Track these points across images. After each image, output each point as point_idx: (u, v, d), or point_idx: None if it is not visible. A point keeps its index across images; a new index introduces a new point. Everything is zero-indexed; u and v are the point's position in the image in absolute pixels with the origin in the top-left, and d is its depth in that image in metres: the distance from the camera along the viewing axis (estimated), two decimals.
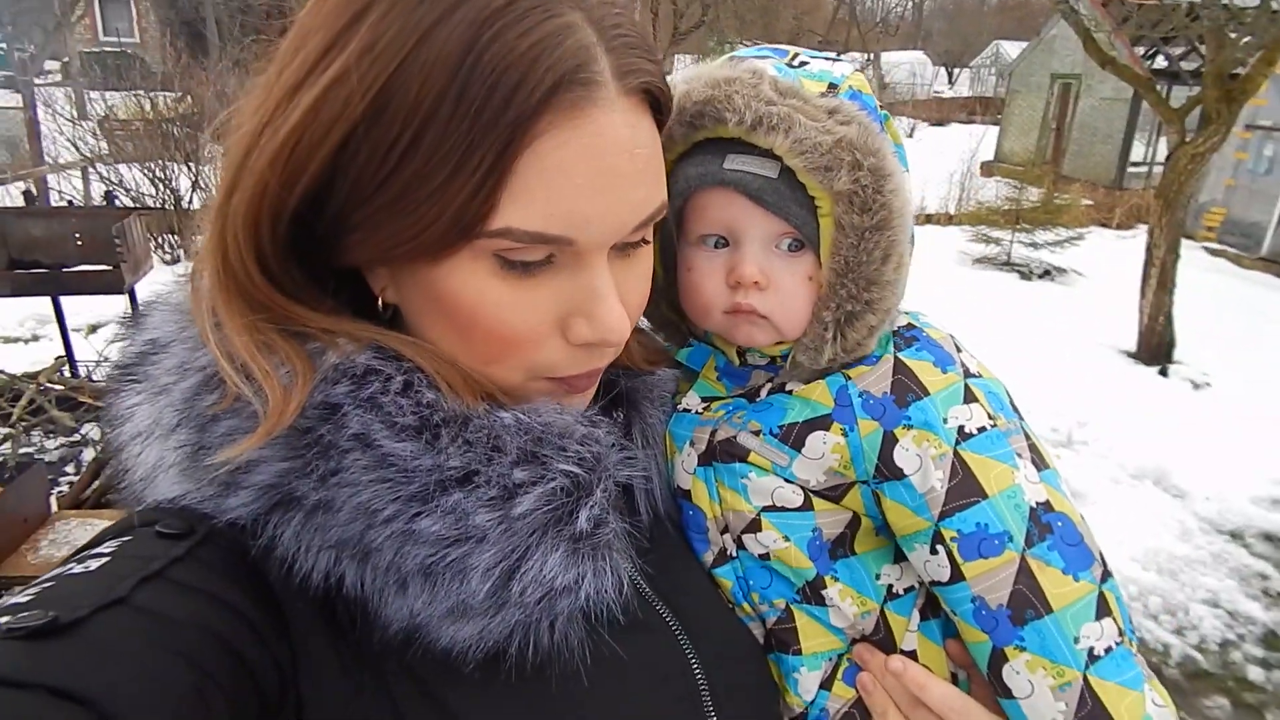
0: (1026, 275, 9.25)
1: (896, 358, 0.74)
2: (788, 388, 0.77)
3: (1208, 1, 5.90)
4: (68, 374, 4.51)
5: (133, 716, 0.43)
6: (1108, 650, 0.66)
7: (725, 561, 0.79)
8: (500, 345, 0.60)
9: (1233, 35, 5.84)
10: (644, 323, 0.83)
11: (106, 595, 0.48)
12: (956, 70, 40.35)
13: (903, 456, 0.71)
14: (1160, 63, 12.59)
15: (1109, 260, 9.43)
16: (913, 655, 0.77)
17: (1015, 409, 0.76)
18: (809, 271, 0.75)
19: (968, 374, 0.74)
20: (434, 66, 0.50)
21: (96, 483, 3.49)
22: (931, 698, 0.72)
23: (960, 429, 0.71)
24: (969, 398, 0.72)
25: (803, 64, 0.75)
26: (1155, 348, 6.53)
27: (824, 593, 0.77)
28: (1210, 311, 7.54)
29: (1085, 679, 0.65)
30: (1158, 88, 6.67)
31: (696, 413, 0.82)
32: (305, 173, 0.54)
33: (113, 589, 0.48)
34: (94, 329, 6.12)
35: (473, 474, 0.57)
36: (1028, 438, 0.74)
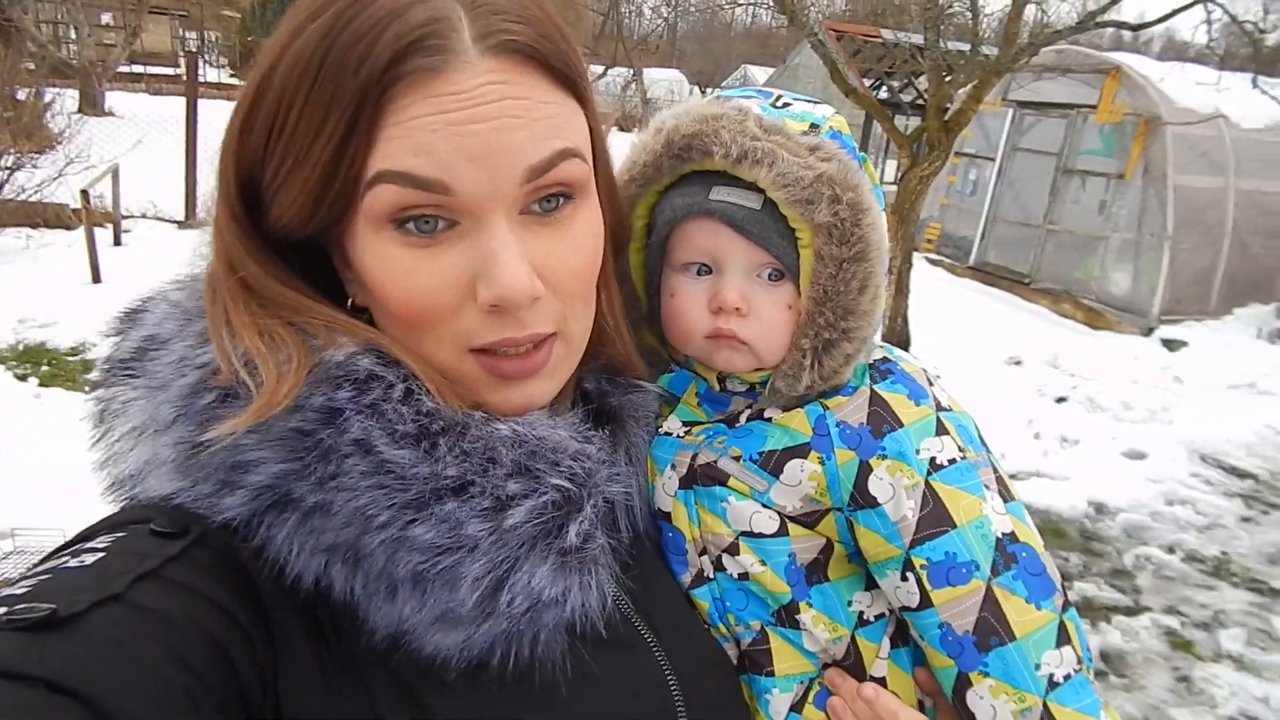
0: None
1: (873, 390, 0.76)
2: (766, 415, 0.79)
3: (929, 44, 6.76)
4: None
5: (126, 713, 0.43)
6: (1066, 678, 0.70)
7: (703, 583, 0.80)
8: (415, 315, 0.61)
9: (946, 77, 6.75)
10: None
11: (103, 591, 0.48)
12: (709, 89, 42.99)
13: (877, 485, 0.73)
14: (883, 94, 14.23)
15: None
16: (882, 681, 0.78)
17: (983, 442, 0.79)
18: (788, 300, 0.77)
19: (939, 407, 0.77)
20: (299, 55, 0.57)
21: None
22: None
23: (932, 460, 0.73)
24: (940, 430, 0.75)
25: (785, 105, 0.78)
26: (895, 345, 7.35)
27: (798, 617, 0.78)
28: (934, 312, 8.63)
29: (1045, 705, 0.69)
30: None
31: (678, 436, 0.82)
32: (229, 169, 0.61)
33: (109, 585, 0.49)
34: None
35: (468, 484, 0.57)
36: (995, 470, 0.77)
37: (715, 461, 0.79)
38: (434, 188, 0.57)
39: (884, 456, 0.74)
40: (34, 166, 8.56)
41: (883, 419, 0.75)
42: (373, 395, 0.56)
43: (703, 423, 0.83)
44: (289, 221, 0.60)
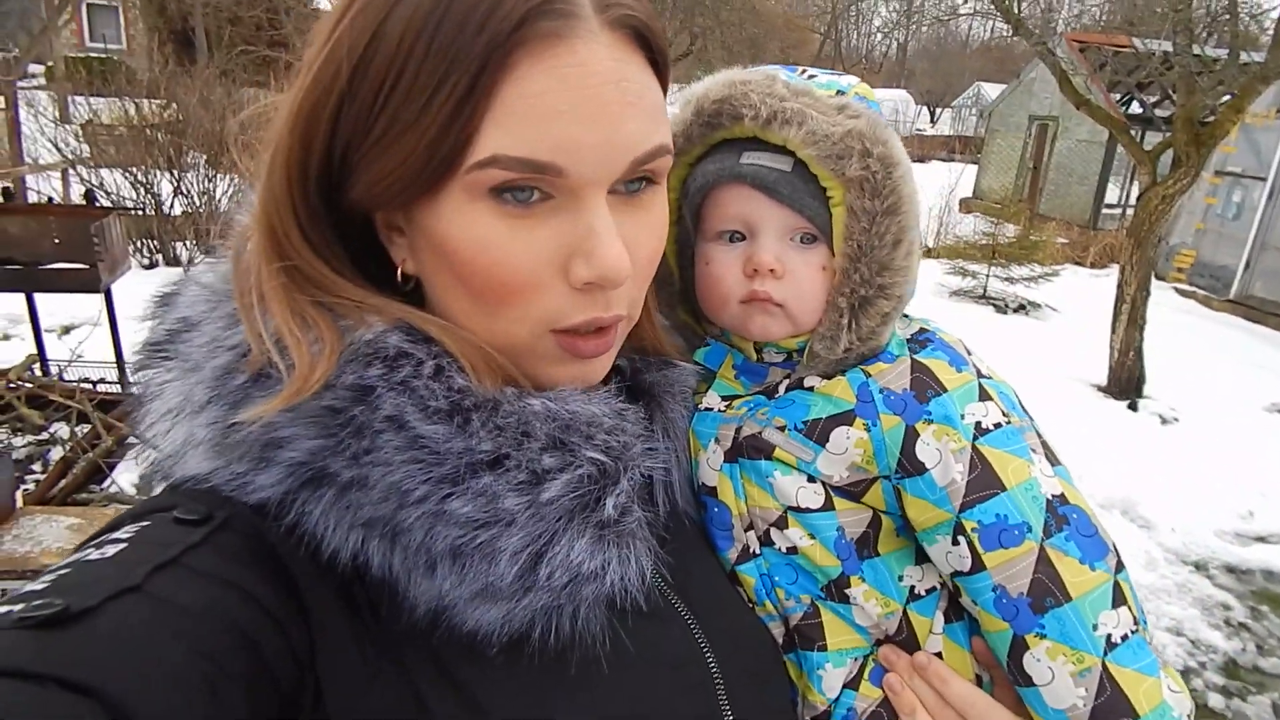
0: (1002, 309, 9.39)
1: (913, 358, 0.77)
2: (805, 383, 0.79)
3: (1180, 49, 6.07)
4: (38, 372, 4.46)
5: (141, 709, 0.42)
6: (1124, 638, 0.68)
7: (749, 559, 0.80)
8: (502, 289, 0.59)
9: (1202, 83, 6.02)
10: (664, 323, 0.83)
11: (120, 583, 0.47)
12: (939, 109, 41.13)
13: (924, 450, 0.73)
14: (1135, 108, 12.92)
15: (1082, 297, 9.61)
16: (938, 657, 0.77)
17: (1025, 410, 0.78)
18: (822, 262, 0.77)
19: (980, 374, 0.77)
20: (413, 12, 0.54)
21: (64, 481, 3.45)
22: (952, 694, 0.73)
23: (977, 424, 0.73)
24: (983, 396, 0.75)
25: (811, 76, 0.80)
26: (1125, 382, 6.64)
27: (848, 591, 0.78)
28: (1180, 350, 7.69)
29: (1104, 665, 0.67)
30: (1132, 132, 6.85)
31: (719, 411, 0.83)
32: (317, 132, 0.58)
33: (127, 576, 0.48)
34: (67, 330, 6.05)
35: (503, 458, 0.57)
36: (1038, 435, 0.76)
37: (760, 433, 0.79)
38: (548, 170, 0.56)
39: (930, 421, 0.73)
40: None
41: (926, 384, 0.75)
42: (404, 372, 0.56)
43: (742, 395, 0.83)
44: (382, 190, 0.58)
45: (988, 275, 9.59)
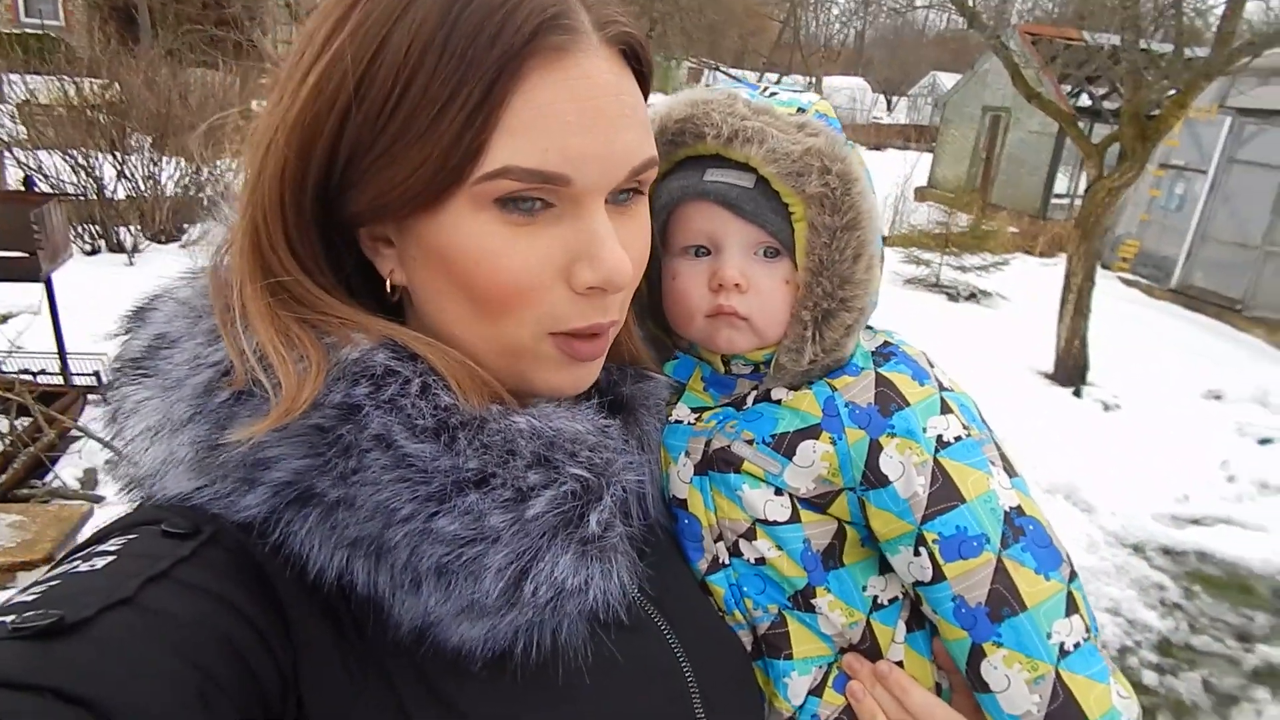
0: (954, 297, 9.56)
1: (877, 372, 0.79)
2: (773, 395, 0.81)
3: (1127, 45, 6.22)
4: None
5: (139, 718, 0.43)
6: (1076, 645, 0.71)
7: (718, 569, 0.82)
8: (505, 296, 0.60)
9: (1149, 78, 6.18)
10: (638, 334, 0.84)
11: (112, 595, 0.47)
12: (895, 98, 41.49)
13: (888, 463, 0.75)
14: (1084, 101, 13.20)
15: (1031, 286, 9.82)
16: (899, 665, 0.80)
17: (984, 421, 0.80)
18: (785, 276, 0.79)
19: (941, 387, 0.79)
20: (419, 25, 0.55)
21: (4, 476, 3.35)
22: (912, 702, 0.76)
23: (939, 438, 0.75)
24: (945, 409, 0.77)
25: (773, 94, 0.81)
26: (1070, 370, 6.83)
27: (814, 601, 0.80)
28: (1123, 338, 7.90)
29: (1057, 672, 0.70)
30: (1080, 125, 7.00)
31: (689, 424, 0.84)
32: (317, 144, 0.57)
33: (118, 588, 0.48)
34: (4, 319, 5.85)
35: (489, 476, 0.57)
36: (997, 448, 0.78)
37: (729, 446, 0.80)
38: (556, 180, 0.57)
39: (893, 434, 0.75)
40: None
41: (890, 398, 0.77)
42: (390, 390, 0.56)
43: (711, 408, 0.85)
44: (389, 202, 0.58)
45: (940, 263, 9.75)
